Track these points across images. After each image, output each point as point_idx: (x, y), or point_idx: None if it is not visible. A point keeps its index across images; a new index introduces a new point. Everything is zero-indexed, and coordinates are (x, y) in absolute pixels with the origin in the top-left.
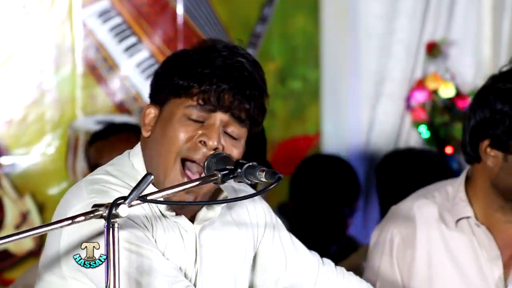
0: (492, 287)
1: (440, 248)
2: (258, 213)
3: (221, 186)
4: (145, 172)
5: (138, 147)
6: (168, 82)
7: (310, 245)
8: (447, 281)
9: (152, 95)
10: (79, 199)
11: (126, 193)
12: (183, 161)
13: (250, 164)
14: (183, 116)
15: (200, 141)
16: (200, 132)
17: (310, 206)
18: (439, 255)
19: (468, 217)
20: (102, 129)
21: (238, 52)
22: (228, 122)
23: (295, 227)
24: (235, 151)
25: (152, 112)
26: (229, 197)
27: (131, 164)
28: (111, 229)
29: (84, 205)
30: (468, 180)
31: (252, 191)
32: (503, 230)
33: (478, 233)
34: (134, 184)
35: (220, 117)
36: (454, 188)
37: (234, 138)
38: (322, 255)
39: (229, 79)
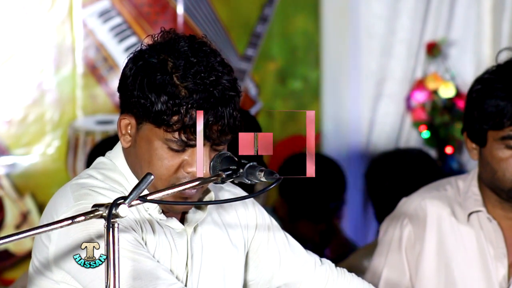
0: (495, 286)
1: (449, 241)
2: (249, 215)
3: (209, 185)
4: (132, 176)
5: (118, 150)
6: (143, 104)
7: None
8: (453, 274)
9: (124, 105)
10: (67, 206)
11: (112, 196)
12: None
13: (251, 164)
14: (164, 144)
15: (188, 172)
16: (186, 158)
17: (298, 202)
18: (448, 248)
19: (479, 211)
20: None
21: (206, 56)
22: (212, 146)
23: (287, 226)
24: None
25: (128, 121)
26: (214, 197)
27: (115, 166)
28: (111, 229)
29: (72, 212)
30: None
31: (240, 191)
32: (508, 227)
33: (487, 228)
34: (118, 187)
35: (205, 147)
36: (466, 182)
37: (219, 151)
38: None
39: (210, 105)
